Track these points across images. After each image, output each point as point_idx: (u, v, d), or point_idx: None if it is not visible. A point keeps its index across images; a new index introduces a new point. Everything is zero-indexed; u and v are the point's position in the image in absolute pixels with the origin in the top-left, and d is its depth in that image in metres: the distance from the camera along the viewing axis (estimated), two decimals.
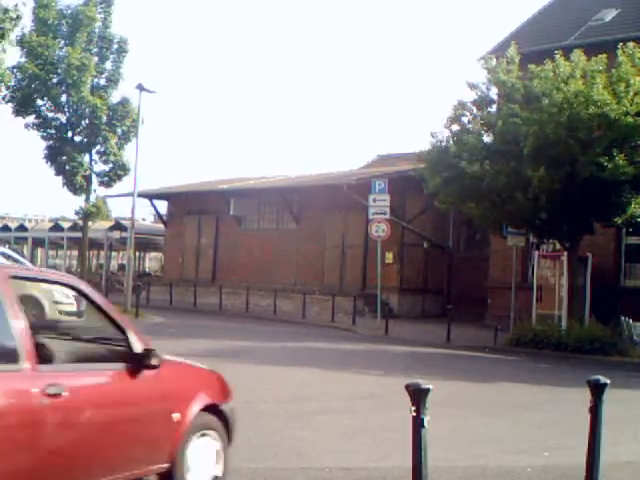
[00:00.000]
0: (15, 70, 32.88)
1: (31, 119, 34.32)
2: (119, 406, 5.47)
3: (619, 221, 20.53)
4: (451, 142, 22.04)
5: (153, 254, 57.99)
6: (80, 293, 5.72)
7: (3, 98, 33.40)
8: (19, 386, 4.74)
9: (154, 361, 5.62)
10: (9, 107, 33.71)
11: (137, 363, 5.57)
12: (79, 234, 38.65)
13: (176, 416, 5.78)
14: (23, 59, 33.24)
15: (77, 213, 36.25)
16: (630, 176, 19.07)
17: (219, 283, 34.56)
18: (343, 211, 31.33)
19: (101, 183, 35.45)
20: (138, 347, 5.64)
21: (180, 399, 5.95)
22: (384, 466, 7.93)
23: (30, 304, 19.47)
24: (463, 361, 18.74)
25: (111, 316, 5.71)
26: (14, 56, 32.89)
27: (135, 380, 5.56)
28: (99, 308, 5.69)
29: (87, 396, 5.22)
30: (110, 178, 35.13)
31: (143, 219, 57.25)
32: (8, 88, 33.33)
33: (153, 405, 5.73)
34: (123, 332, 5.69)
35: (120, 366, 5.55)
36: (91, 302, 5.71)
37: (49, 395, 4.82)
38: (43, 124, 34.52)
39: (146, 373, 5.60)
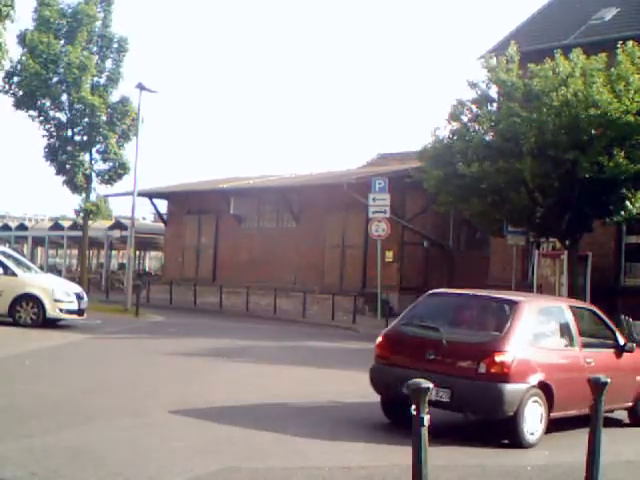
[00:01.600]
0: (17, 68, 32.83)
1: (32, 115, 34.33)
2: (614, 370, 9.84)
3: (619, 219, 20.50)
4: (454, 138, 21.99)
5: (153, 253, 57.94)
6: (595, 315, 10.89)
7: (6, 92, 33.39)
8: (576, 356, 9.85)
9: (631, 348, 10.61)
10: (10, 103, 33.72)
11: (621, 349, 10.55)
12: (79, 233, 38.58)
13: (639, 378, 10.78)
14: (24, 58, 33.15)
15: (77, 212, 36.23)
16: (631, 175, 19.06)
17: (219, 282, 34.57)
18: (343, 210, 31.31)
19: (101, 182, 35.42)
20: (622, 341, 10.63)
21: None
22: (384, 465, 7.92)
23: (32, 302, 19.67)
24: None
25: (608, 324, 10.77)
26: (16, 50, 32.61)
27: (620, 358, 10.50)
28: (601, 319, 10.77)
29: (601, 364, 9.84)
30: (110, 177, 35.08)
31: (143, 218, 57.14)
32: (10, 87, 33.32)
33: (628, 371, 10.54)
34: (614, 333, 10.69)
35: (612, 350, 10.51)
36: (597, 316, 10.81)
37: (587, 363, 9.81)
38: (44, 122, 34.51)
39: (626, 355, 10.56)
